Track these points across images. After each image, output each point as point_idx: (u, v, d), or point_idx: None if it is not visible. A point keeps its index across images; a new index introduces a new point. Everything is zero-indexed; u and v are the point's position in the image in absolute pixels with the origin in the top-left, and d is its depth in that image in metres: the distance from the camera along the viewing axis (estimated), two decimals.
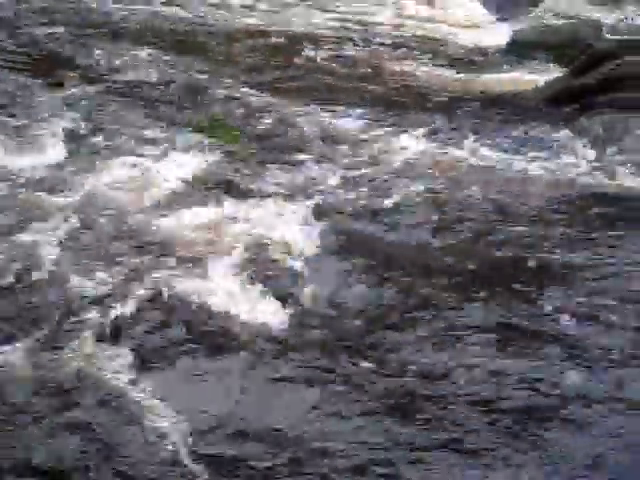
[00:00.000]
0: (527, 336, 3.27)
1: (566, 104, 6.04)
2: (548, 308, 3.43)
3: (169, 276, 3.49)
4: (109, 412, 2.85)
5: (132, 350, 3.09)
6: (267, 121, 5.56)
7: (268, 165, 4.84)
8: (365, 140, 5.24)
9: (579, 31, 7.48)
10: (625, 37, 6.89)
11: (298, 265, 3.70)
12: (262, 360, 3.14)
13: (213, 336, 3.26)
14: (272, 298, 3.46)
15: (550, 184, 4.62)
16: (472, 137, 5.36)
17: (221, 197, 4.26)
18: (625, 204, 4.39)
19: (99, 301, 3.37)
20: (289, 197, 4.37)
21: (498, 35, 8.25)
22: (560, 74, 6.62)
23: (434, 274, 3.75)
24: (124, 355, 3.07)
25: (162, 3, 9.04)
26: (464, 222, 4.19)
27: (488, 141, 5.30)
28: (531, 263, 3.79)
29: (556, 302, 3.46)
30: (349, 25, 8.80)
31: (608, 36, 7.33)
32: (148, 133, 5.18)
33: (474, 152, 4.97)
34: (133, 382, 2.92)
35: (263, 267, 3.67)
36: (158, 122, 5.36)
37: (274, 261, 3.71)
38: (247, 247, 3.75)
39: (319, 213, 4.21)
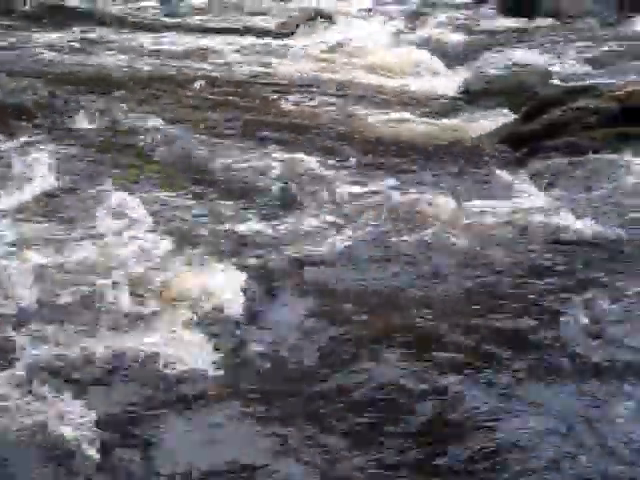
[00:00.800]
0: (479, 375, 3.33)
1: (516, 149, 6.23)
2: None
3: (111, 331, 3.46)
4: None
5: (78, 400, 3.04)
6: (218, 168, 5.67)
7: (220, 211, 4.90)
8: (320, 184, 5.33)
9: (527, 78, 7.72)
10: (570, 84, 7.15)
11: (242, 313, 3.71)
12: (197, 412, 3.11)
13: (153, 388, 3.22)
14: (215, 347, 3.44)
15: (502, 226, 4.73)
16: (427, 182, 5.48)
17: (165, 244, 4.27)
18: (574, 246, 4.50)
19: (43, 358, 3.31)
20: (241, 244, 4.43)
21: (449, 83, 8.48)
22: (510, 120, 6.83)
23: (388, 312, 3.82)
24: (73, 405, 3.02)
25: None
26: (421, 265, 4.27)
27: (442, 185, 5.43)
28: (489, 304, 3.87)
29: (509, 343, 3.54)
30: (308, 73, 9.01)
31: (555, 83, 7.60)
32: (91, 174, 5.30)
33: (429, 197, 5.08)
34: (85, 439, 2.88)
35: (207, 316, 3.66)
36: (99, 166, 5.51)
37: (217, 310, 3.71)
38: (193, 297, 3.75)
39: (273, 260, 4.25)
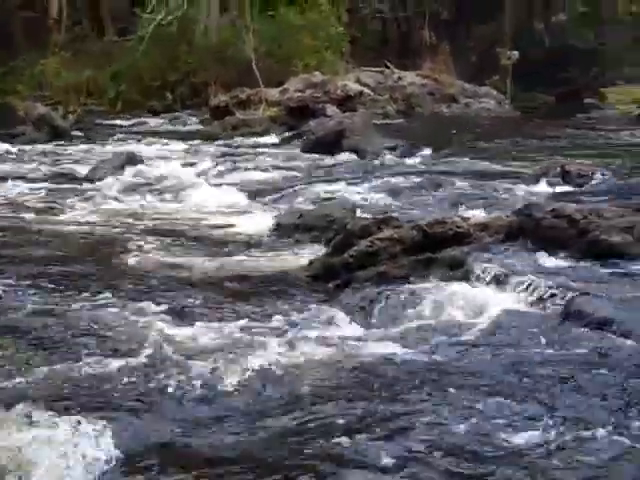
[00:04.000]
0: None
1: (328, 281, 6.43)
2: None
3: None
4: None
5: None
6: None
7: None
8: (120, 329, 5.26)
9: (334, 212, 8.03)
10: (375, 215, 7.50)
11: None
12: None
13: None
14: None
15: (315, 358, 4.81)
16: (242, 319, 5.52)
17: None
18: (385, 372, 4.63)
19: None
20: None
21: (261, 220, 8.69)
22: (321, 253, 7.05)
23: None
24: None
25: None
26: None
27: (255, 323, 5.46)
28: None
29: None
30: (118, 218, 8.97)
31: (361, 215, 7.95)
32: None
33: (242, 336, 5.13)
34: None
35: None
36: None
37: None
38: None
39: None
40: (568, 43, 23.03)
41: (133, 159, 12.12)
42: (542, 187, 9.99)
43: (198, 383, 4.42)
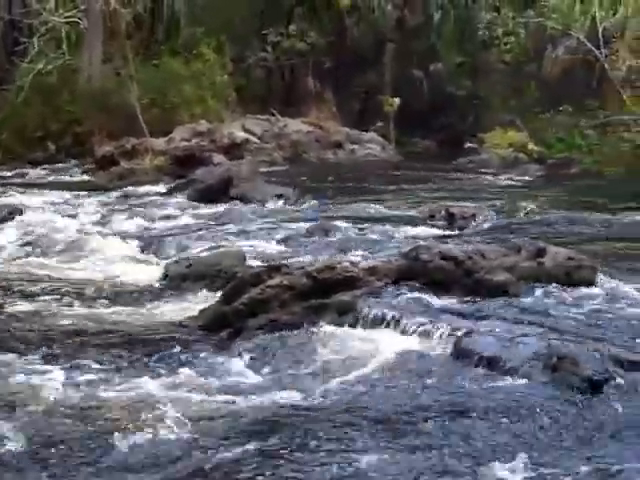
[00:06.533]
0: None
1: (220, 330, 6.38)
2: None
3: None
4: None
5: None
6: None
7: None
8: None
9: (224, 260, 8.00)
10: (265, 263, 7.52)
11: None
12: None
13: None
14: None
15: (210, 408, 4.77)
16: (130, 373, 5.41)
17: None
18: (280, 418, 4.63)
19: None
20: None
21: (150, 270, 8.58)
22: (212, 302, 7.00)
23: None
24: None
25: None
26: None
27: (145, 377, 5.35)
28: None
29: None
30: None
31: (250, 263, 7.95)
32: None
33: (130, 389, 5.04)
34: None
35: None
36: None
37: None
38: None
39: None
40: (447, 91, 23.81)
41: (14, 211, 11.80)
42: (428, 230, 10.22)
43: (84, 438, 4.32)
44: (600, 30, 18.45)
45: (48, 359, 5.61)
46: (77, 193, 15.09)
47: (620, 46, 17.49)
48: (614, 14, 19.65)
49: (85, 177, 18.42)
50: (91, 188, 15.84)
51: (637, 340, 5.40)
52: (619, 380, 4.84)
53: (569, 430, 4.39)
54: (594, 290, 6.63)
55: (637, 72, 15.90)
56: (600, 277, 6.82)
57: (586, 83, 21.41)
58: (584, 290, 6.61)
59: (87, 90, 21.55)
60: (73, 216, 12.26)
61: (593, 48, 18.35)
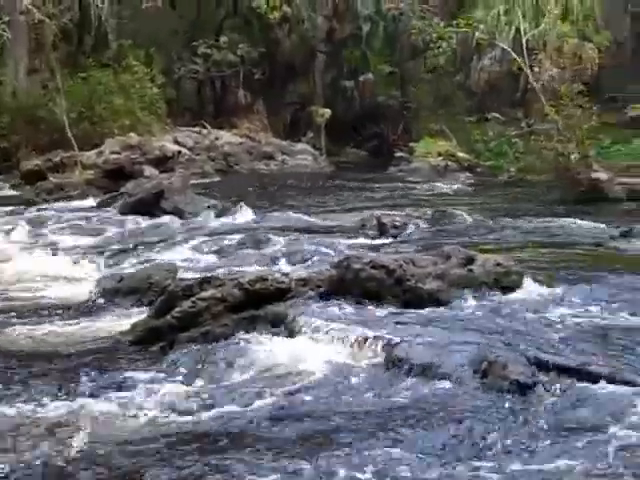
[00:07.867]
0: None
1: (152, 343, 6.33)
2: None
3: None
4: None
5: None
6: None
7: None
8: None
9: (155, 274, 7.94)
10: (197, 275, 7.49)
11: None
12: None
13: None
14: None
15: (143, 421, 4.74)
16: (60, 391, 5.33)
17: None
18: (214, 432, 4.62)
19: None
20: None
21: (82, 286, 8.47)
22: (144, 316, 6.94)
23: None
24: None
25: None
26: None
27: (77, 395, 5.28)
28: None
29: None
30: None
31: (182, 276, 7.90)
32: None
33: (60, 407, 4.97)
34: None
35: None
36: None
37: None
38: None
39: None
40: (377, 101, 24.05)
41: None
42: (360, 239, 10.30)
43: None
44: (524, 41, 18.85)
45: None
46: (4, 208, 14.80)
47: (543, 57, 17.92)
48: (537, 26, 20.11)
49: (12, 192, 18.07)
50: (18, 203, 15.55)
51: (561, 344, 5.53)
52: (546, 383, 4.95)
53: (500, 432, 4.47)
54: (521, 295, 6.76)
55: (558, 82, 16.31)
56: (527, 282, 6.95)
57: (511, 92, 21.90)
58: (512, 296, 6.73)
59: (12, 103, 21.18)
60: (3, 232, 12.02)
61: (517, 58, 18.73)
